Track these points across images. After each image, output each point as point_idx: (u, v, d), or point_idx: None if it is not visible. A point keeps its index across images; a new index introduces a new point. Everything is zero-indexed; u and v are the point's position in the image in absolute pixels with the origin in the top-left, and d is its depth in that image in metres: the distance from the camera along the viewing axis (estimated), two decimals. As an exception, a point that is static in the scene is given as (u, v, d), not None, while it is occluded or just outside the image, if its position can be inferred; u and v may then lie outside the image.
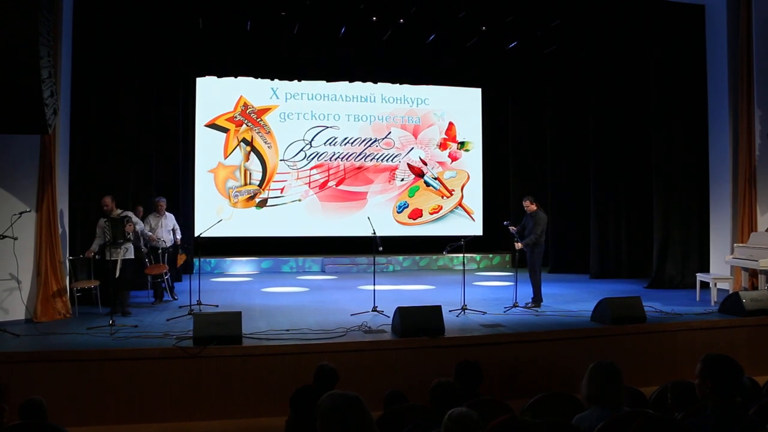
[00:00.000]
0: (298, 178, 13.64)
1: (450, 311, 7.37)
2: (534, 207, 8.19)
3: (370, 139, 14.06)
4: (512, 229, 8.24)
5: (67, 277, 7.68)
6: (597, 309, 7.10)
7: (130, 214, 7.74)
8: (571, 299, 8.86)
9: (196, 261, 8.97)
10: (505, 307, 7.86)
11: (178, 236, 8.95)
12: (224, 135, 13.27)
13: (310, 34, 10.82)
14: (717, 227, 9.90)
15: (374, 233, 7.96)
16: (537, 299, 8.14)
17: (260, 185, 13.44)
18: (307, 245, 13.54)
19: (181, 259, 9.15)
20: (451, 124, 14.56)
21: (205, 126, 13.14)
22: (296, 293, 9.86)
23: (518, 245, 8.09)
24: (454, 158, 14.59)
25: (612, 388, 3.12)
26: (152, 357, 5.62)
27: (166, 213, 8.80)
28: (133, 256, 7.72)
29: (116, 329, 6.42)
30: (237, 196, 13.31)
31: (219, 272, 12.59)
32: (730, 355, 2.85)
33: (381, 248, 7.96)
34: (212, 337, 5.73)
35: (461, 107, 14.65)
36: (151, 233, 8.43)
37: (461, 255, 8.75)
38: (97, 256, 7.72)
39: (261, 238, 13.38)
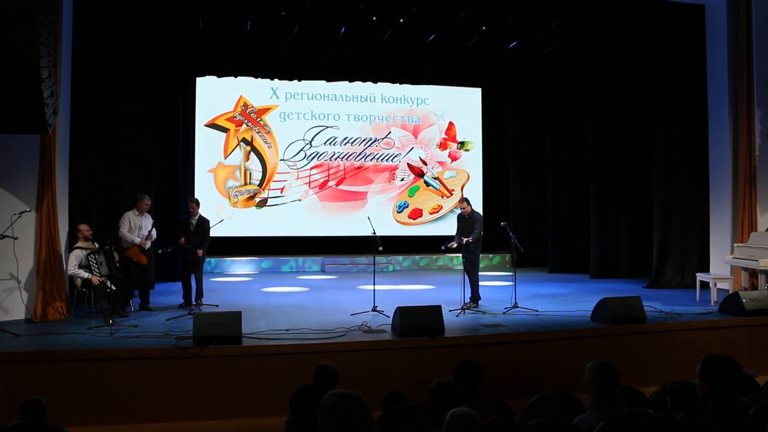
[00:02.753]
0: (298, 178, 13.65)
1: (450, 311, 7.38)
2: (470, 209, 8.44)
3: (370, 139, 14.06)
4: (453, 245, 8.37)
5: (67, 277, 7.65)
6: (597, 309, 7.10)
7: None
8: (571, 299, 8.86)
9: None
10: (505, 307, 7.86)
11: (153, 234, 7.98)
12: (224, 135, 13.27)
13: (310, 34, 10.82)
14: (717, 227, 9.89)
15: (374, 233, 7.96)
16: (476, 298, 8.28)
17: (260, 185, 13.44)
18: (307, 245, 13.54)
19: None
20: (451, 124, 14.57)
21: (205, 126, 13.14)
22: (296, 293, 9.86)
23: (453, 245, 8.30)
24: (454, 158, 14.59)
25: (610, 390, 3.12)
26: (152, 357, 5.61)
27: (146, 213, 8.01)
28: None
29: (116, 329, 6.42)
30: (237, 195, 13.31)
31: (219, 272, 12.59)
32: (730, 355, 2.85)
33: (381, 248, 7.97)
34: (212, 337, 5.73)
35: (461, 107, 14.66)
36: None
37: (461, 255, 8.75)
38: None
39: (261, 238, 13.39)
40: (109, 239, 7.65)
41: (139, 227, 7.90)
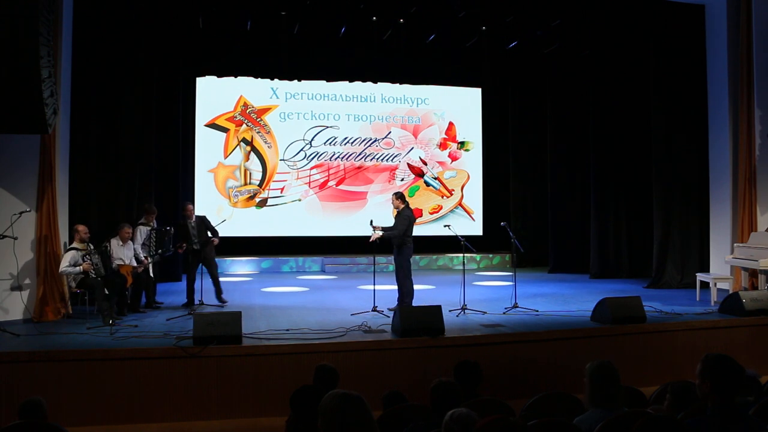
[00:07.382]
0: (298, 178, 13.64)
1: (450, 311, 7.37)
2: (401, 204, 7.90)
3: (370, 139, 14.06)
4: (377, 232, 7.76)
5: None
6: (597, 309, 7.10)
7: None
8: (571, 299, 8.86)
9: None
10: (505, 307, 7.86)
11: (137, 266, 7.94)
12: (224, 135, 13.27)
13: (310, 34, 10.82)
14: (717, 227, 9.90)
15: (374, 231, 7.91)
16: (402, 302, 7.77)
17: (260, 185, 13.44)
18: (307, 245, 13.53)
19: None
20: (451, 123, 14.57)
21: (205, 126, 13.14)
22: (296, 293, 9.85)
23: (374, 236, 7.73)
24: (454, 158, 14.59)
25: (610, 390, 3.12)
26: (152, 357, 5.61)
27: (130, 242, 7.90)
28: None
29: (116, 329, 6.42)
30: (237, 195, 13.31)
31: (219, 272, 12.50)
32: (730, 355, 2.85)
33: (379, 241, 7.81)
34: (212, 336, 5.73)
35: (461, 107, 14.65)
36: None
37: (461, 255, 8.75)
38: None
39: (261, 238, 13.38)
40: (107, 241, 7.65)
41: (120, 258, 7.71)
